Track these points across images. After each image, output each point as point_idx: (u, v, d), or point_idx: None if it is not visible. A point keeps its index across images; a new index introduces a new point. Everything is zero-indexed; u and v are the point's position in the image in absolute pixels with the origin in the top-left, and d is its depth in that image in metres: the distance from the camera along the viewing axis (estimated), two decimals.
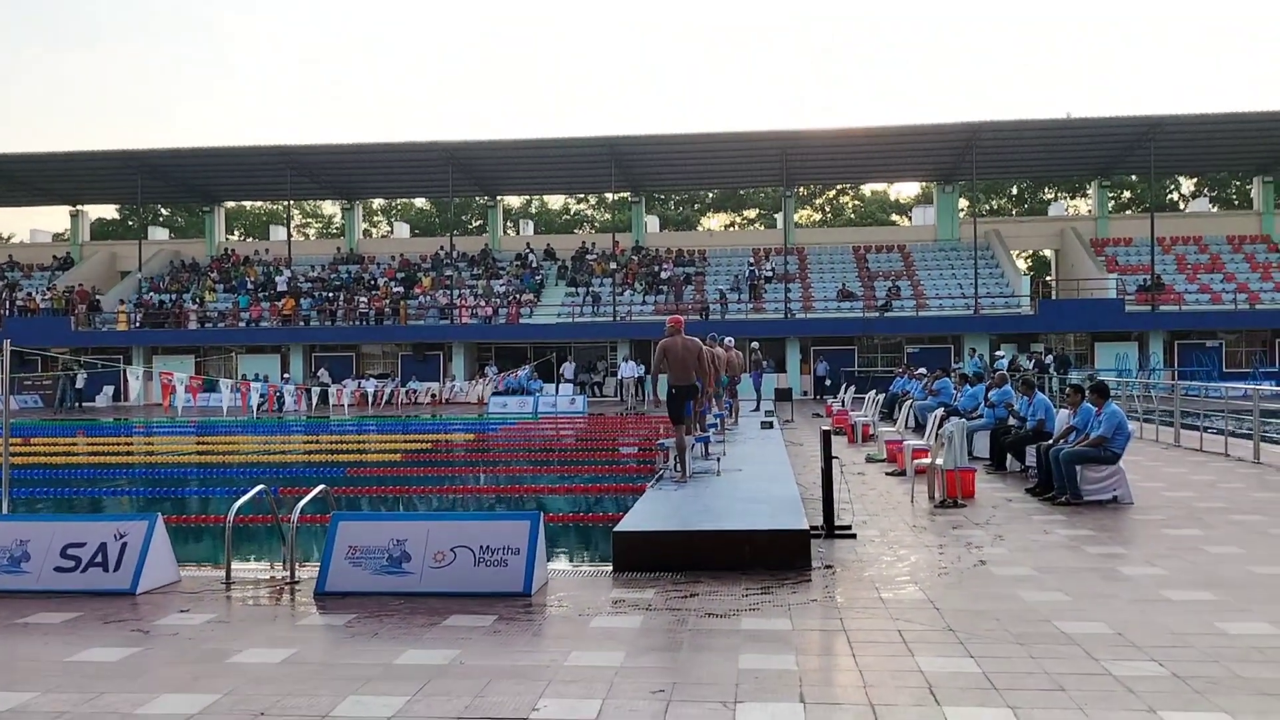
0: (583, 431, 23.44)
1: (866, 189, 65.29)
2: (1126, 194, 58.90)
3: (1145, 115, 36.15)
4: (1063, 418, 12.10)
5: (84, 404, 37.21)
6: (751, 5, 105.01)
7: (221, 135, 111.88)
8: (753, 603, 6.66)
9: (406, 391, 36.27)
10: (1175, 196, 60.32)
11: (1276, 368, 34.84)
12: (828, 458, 9.24)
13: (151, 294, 42.75)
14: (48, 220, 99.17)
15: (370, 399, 34.84)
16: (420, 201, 65.80)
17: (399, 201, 65.18)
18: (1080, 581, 7.15)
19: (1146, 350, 36.01)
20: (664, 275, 41.28)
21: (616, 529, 8.15)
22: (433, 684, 5.09)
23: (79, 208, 48.90)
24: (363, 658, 5.61)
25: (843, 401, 24.76)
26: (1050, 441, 11.58)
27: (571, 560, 9.80)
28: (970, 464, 11.78)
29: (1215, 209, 50.64)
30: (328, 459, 17.88)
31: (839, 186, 63.64)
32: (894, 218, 61.28)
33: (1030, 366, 30.49)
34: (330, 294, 41.71)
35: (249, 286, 42.85)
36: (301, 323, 39.77)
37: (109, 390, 39.01)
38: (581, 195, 65.07)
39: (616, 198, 45.55)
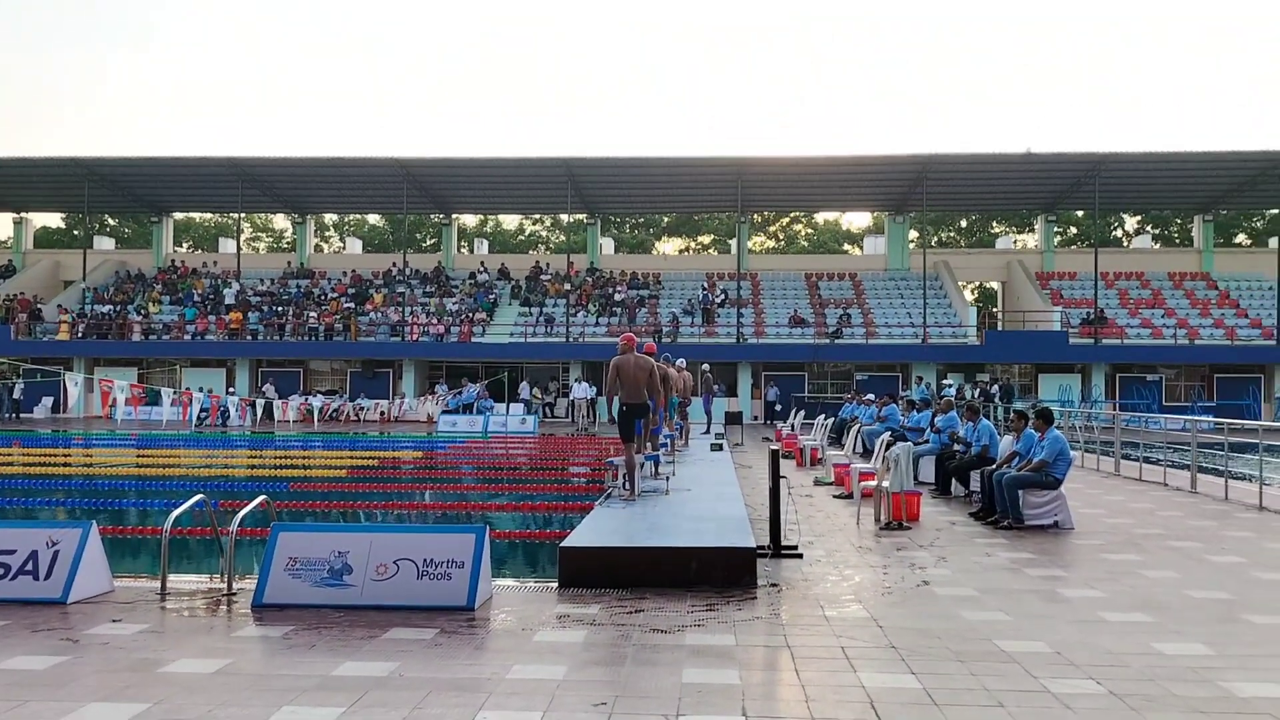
0: (533, 451, 23.32)
1: (820, 218, 66.01)
2: (1072, 229, 60.14)
3: (1091, 152, 37.00)
4: (1006, 444, 12.27)
5: (21, 415, 36.32)
6: (712, 31, 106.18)
7: (171, 145, 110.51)
8: (698, 619, 6.65)
9: (354, 408, 35.82)
10: (1119, 233, 61.70)
11: (1214, 403, 35.63)
12: (775, 477, 9.27)
13: (95, 304, 41.92)
14: None
15: (316, 414, 34.38)
16: (373, 218, 65.35)
17: (352, 218, 64.68)
18: (1021, 602, 7.23)
19: (1089, 382, 36.69)
20: (618, 297, 41.33)
21: (563, 544, 8.10)
22: (370, 695, 5.01)
23: (22, 215, 47.89)
24: (299, 669, 5.50)
25: (792, 426, 24.89)
26: (994, 466, 11.74)
27: (518, 579, 9.71)
28: (916, 488, 11.89)
29: (1157, 246, 51.89)
30: (271, 473, 17.58)
31: (792, 214, 64.24)
32: (846, 247, 61.95)
33: (976, 396, 30.91)
34: (279, 308, 41.19)
35: (195, 299, 42.19)
36: (249, 336, 39.21)
37: (48, 401, 38.11)
38: (537, 216, 65.08)
39: (572, 219, 45.58)
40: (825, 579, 8.07)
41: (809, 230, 67.31)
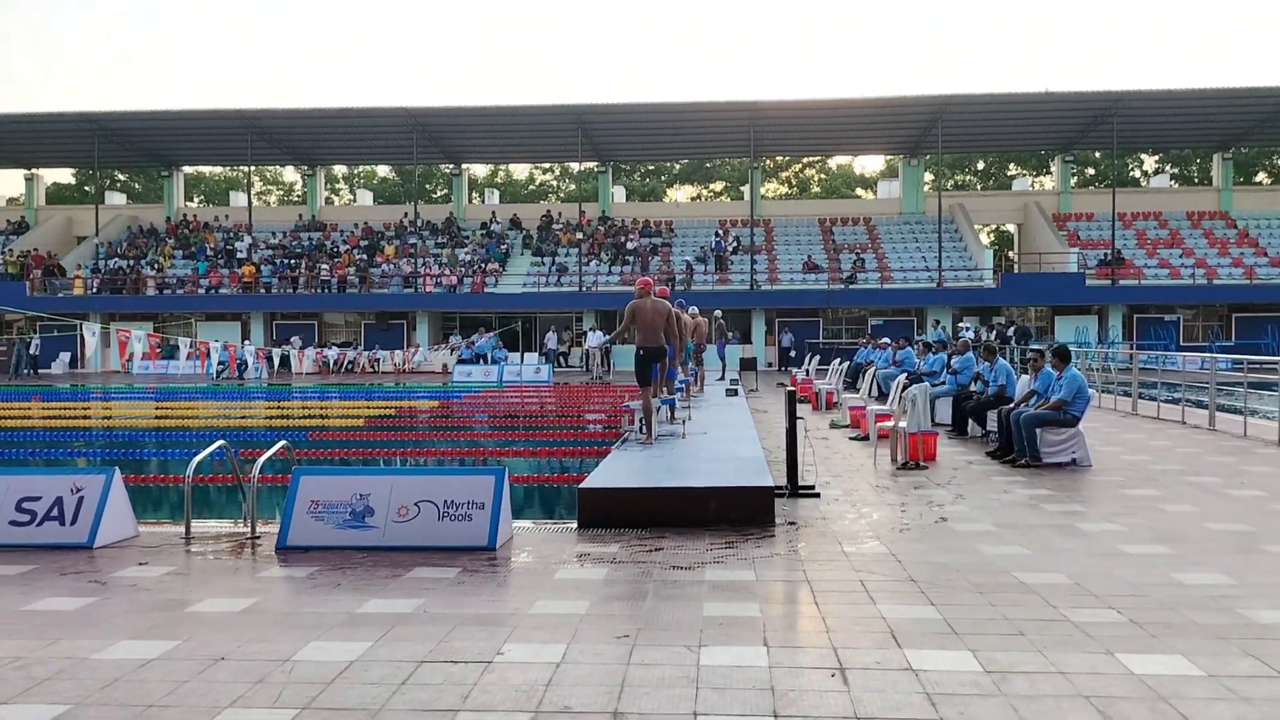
0: (548, 399, 23.38)
1: (832, 163, 65.42)
2: (1090, 170, 59.45)
3: (1108, 90, 36.44)
4: (1024, 383, 12.23)
5: (39, 371, 36.61)
6: None
7: (181, 99, 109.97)
8: (717, 556, 6.69)
9: (369, 359, 35.94)
10: (1137, 173, 60.98)
11: (1233, 342, 35.41)
12: (792, 418, 9.27)
13: (109, 259, 42.02)
14: (1, 184, 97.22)
15: (331, 365, 34.50)
16: (384, 170, 65.09)
17: (362, 169, 64.44)
18: (1039, 537, 7.25)
19: (1106, 324, 36.49)
20: (630, 246, 41.17)
21: (582, 485, 8.14)
22: (396, 630, 5.07)
23: (34, 171, 47.88)
24: (325, 607, 5.57)
25: (807, 371, 24.85)
26: (1011, 406, 11.71)
27: (537, 523, 9.77)
28: (932, 429, 11.88)
29: (1176, 185, 51.26)
30: (289, 423, 17.70)
31: (805, 160, 63.67)
32: (859, 191, 61.47)
33: (992, 338, 30.78)
34: (292, 261, 41.22)
35: (208, 253, 42.25)
36: (262, 290, 39.30)
37: (65, 357, 38.41)
38: (547, 166, 64.69)
39: (583, 168, 45.30)
40: (843, 517, 8.10)
41: (822, 175, 66.76)
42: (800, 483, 9.09)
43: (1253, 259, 38.47)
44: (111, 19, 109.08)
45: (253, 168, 47.52)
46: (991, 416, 12.75)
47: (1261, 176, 57.49)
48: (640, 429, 11.31)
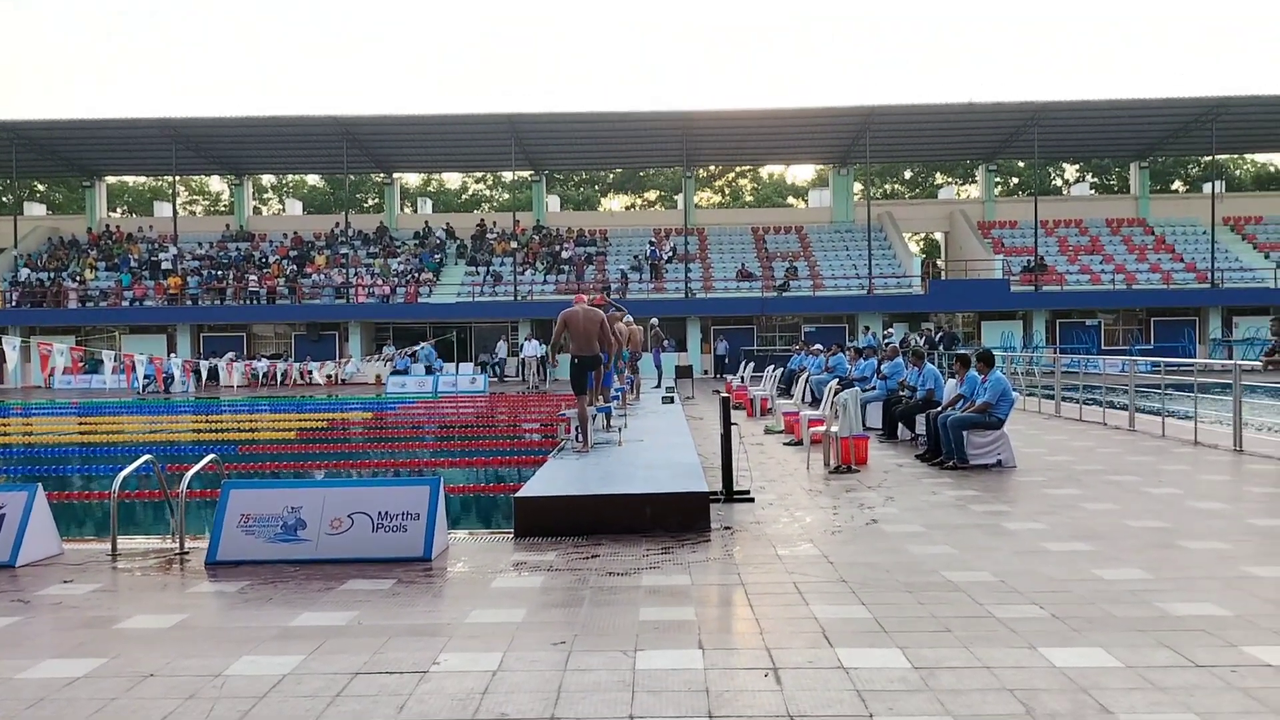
0: (484, 409, 23.27)
1: (765, 172, 66.11)
2: (1014, 179, 60.87)
3: (1030, 101, 37.40)
4: (950, 387, 12.50)
5: None
6: None
7: (103, 107, 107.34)
8: (653, 561, 6.75)
9: (300, 371, 35.38)
10: (1059, 182, 62.60)
11: (1152, 345, 36.52)
12: (727, 424, 9.38)
13: (28, 272, 40.84)
14: None
15: (261, 378, 33.93)
16: (313, 179, 64.21)
17: (291, 179, 63.52)
18: (966, 536, 7.43)
19: (1030, 329, 37.39)
20: (565, 255, 41.16)
21: (518, 494, 8.15)
22: (330, 642, 5.03)
23: None
24: (257, 621, 5.51)
25: (742, 378, 25.08)
26: (939, 410, 11.96)
27: (473, 533, 9.74)
28: (864, 433, 12.09)
29: (1095, 194, 52.71)
30: (218, 437, 17.39)
31: (738, 169, 64.25)
32: (791, 200, 62.17)
33: (920, 343, 31.35)
34: (219, 272, 40.46)
35: (132, 265, 41.28)
36: (189, 302, 38.51)
37: None
38: (480, 175, 64.36)
39: (516, 177, 45.20)
40: (777, 520, 8.21)
41: (754, 185, 67.43)
42: (735, 488, 9.19)
43: (1169, 264, 39.73)
44: (34, 25, 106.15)
45: (178, 177, 46.57)
46: (920, 420, 13.01)
47: (1177, 184, 59.40)
48: (576, 437, 11.34)
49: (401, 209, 47.76)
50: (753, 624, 5.25)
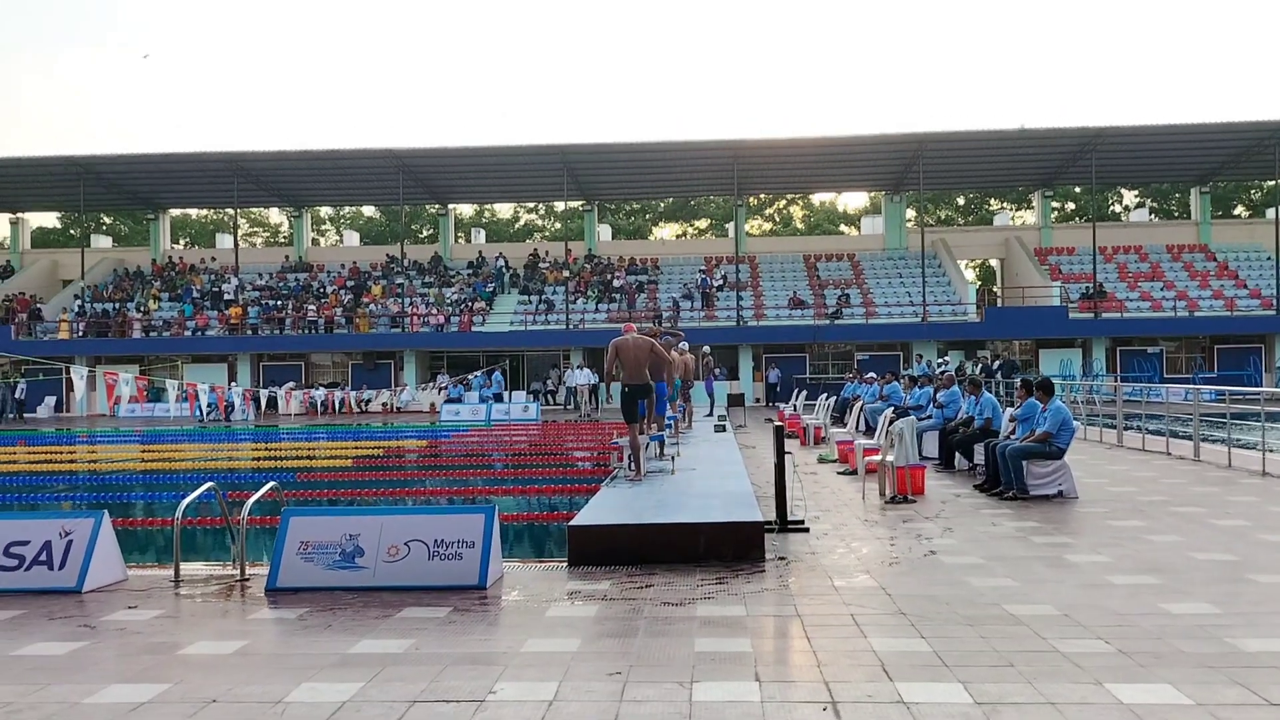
0: (537, 438, 23.38)
1: (816, 199, 65.94)
2: (1070, 205, 60.08)
3: (1087, 126, 36.94)
4: (1009, 416, 12.31)
5: (25, 415, 36.39)
6: (704, 13, 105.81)
7: (166, 142, 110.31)
8: (707, 592, 6.71)
9: (356, 400, 35.84)
10: (1117, 208, 61.66)
11: (1215, 373, 35.68)
12: (780, 453, 9.32)
13: (94, 303, 41.94)
14: None
15: (319, 407, 34.41)
16: (369, 210, 65.28)
17: (348, 210, 64.62)
18: (1027, 569, 7.29)
19: (1090, 356, 36.74)
20: (616, 283, 41.34)
21: (571, 523, 8.16)
22: (387, 670, 5.07)
23: (19, 215, 47.86)
24: (316, 648, 5.56)
25: (794, 407, 24.94)
26: (998, 439, 11.78)
27: (525, 562, 9.76)
28: (920, 462, 11.95)
29: (1155, 219, 51.86)
30: (277, 464, 17.65)
31: (789, 196, 64.17)
32: (843, 227, 61.90)
33: (977, 372, 30.95)
34: (278, 303, 41.22)
35: (194, 295, 42.22)
36: (249, 331, 39.26)
37: (50, 401, 38.19)
38: (532, 205, 64.99)
39: (568, 207, 45.59)
40: (833, 551, 8.13)
41: (805, 212, 67.28)
42: (789, 518, 9.12)
43: (1232, 290, 38.88)
44: (101, 64, 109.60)
45: (239, 210, 47.60)
46: (978, 450, 12.82)
47: (1239, 209, 58.22)
48: (629, 465, 11.33)
49: (455, 239, 48.34)
50: (810, 656, 5.19)
